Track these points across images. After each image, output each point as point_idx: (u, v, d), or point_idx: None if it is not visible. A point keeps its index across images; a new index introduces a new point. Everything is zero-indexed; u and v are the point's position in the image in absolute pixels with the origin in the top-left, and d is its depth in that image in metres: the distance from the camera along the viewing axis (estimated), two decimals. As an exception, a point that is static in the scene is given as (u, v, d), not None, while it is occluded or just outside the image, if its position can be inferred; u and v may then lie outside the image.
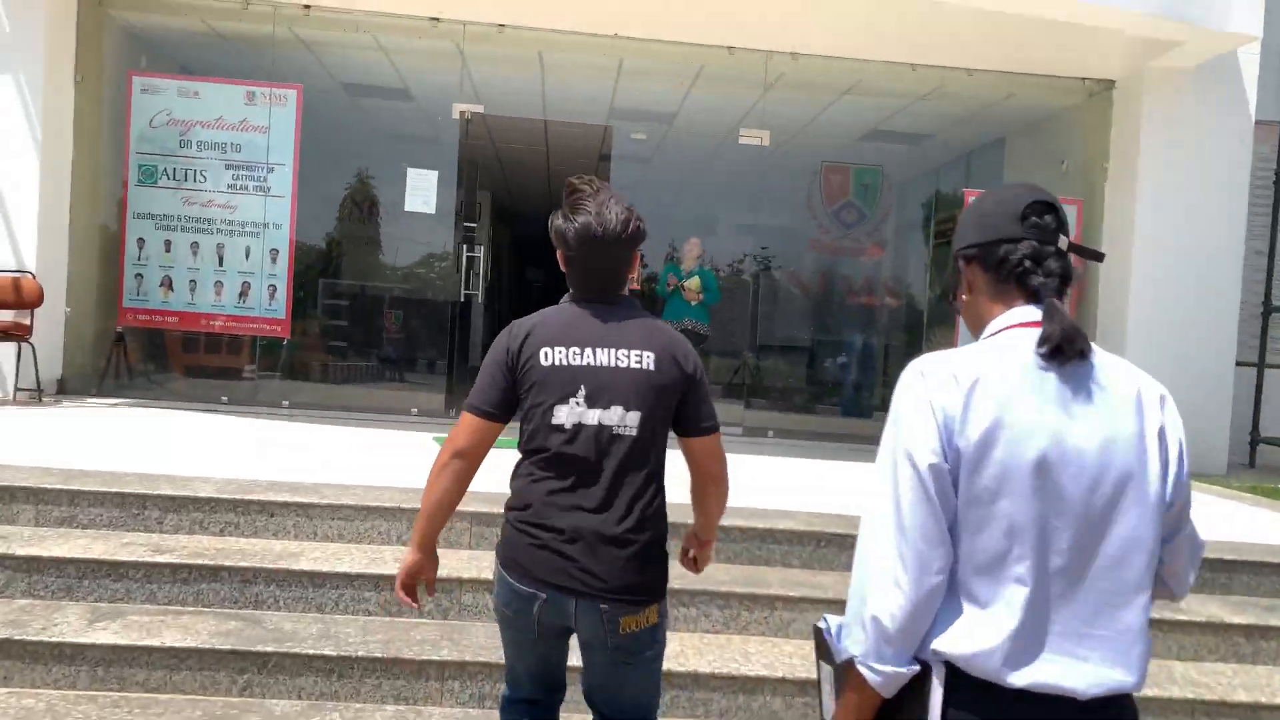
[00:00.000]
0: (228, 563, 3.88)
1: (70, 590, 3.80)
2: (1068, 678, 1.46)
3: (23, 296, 7.04)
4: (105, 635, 3.50)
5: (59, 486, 4.21)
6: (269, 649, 3.50)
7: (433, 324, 9.73)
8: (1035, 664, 1.45)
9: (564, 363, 2.19)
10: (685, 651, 3.77)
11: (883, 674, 1.48)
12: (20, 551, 3.82)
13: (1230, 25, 7.11)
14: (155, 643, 3.47)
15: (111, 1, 7.79)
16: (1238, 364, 8.22)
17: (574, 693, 2.51)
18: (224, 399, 7.93)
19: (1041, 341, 1.51)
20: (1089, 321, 8.28)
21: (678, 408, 2.26)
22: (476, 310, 11.76)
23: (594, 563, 2.14)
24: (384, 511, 4.30)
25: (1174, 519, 1.57)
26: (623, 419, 2.18)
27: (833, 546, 4.43)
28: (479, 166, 11.56)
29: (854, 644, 1.52)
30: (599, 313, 2.26)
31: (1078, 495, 1.47)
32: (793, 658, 3.80)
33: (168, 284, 7.65)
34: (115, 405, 7.37)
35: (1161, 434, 1.53)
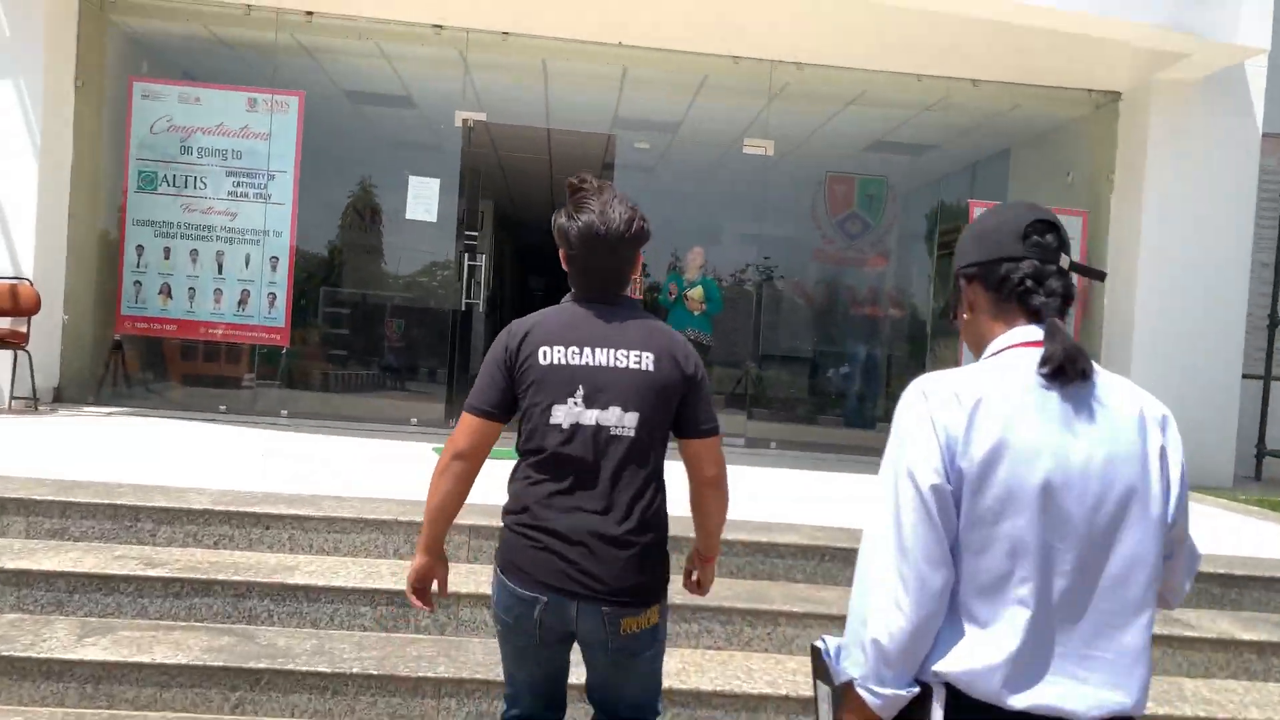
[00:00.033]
0: (221, 576, 3.81)
1: (60, 605, 3.74)
2: (1068, 700, 1.45)
3: (19, 304, 6.99)
4: (95, 651, 3.43)
5: (50, 498, 4.14)
6: (262, 665, 3.43)
7: (433, 333, 9.68)
8: (1036, 686, 1.45)
9: (562, 362, 2.18)
10: (687, 669, 3.70)
11: (883, 697, 1.48)
12: (9, 565, 3.75)
13: (1238, 37, 7.07)
14: (146, 659, 3.40)
15: (113, 6, 7.76)
16: (1244, 376, 8.19)
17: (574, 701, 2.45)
18: (222, 408, 7.87)
19: (1043, 362, 1.51)
20: (1094, 332, 8.24)
21: (677, 409, 2.24)
22: (478, 319, 11.71)
23: (594, 565, 2.13)
24: (380, 524, 4.24)
25: (1174, 538, 1.58)
26: (620, 419, 2.16)
27: (837, 561, 4.37)
28: (481, 175, 11.52)
29: (853, 666, 1.52)
30: (600, 313, 2.24)
31: (1081, 516, 1.47)
32: (796, 675, 3.73)
33: (166, 291, 7.60)
34: (112, 414, 7.31)
35: (1163, 454, 1.53)
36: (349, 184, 10.52)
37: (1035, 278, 1.58)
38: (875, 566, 1.51)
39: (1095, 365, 1.54)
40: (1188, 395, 7.58)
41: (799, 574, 4.39)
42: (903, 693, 1.48)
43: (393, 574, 3.98)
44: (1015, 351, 1.56)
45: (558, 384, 2.17)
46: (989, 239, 1.63)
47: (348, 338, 10.30)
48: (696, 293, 8.73)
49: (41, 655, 3.38)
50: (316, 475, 5.28)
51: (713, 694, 3.57)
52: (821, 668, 1.64)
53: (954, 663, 1.47)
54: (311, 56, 8.53)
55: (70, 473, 4.66)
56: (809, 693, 3.60)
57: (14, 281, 7.03)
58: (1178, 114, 7.82)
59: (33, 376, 6.99)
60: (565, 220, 2.25)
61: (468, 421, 2.23)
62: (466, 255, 8.87)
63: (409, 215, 8.01)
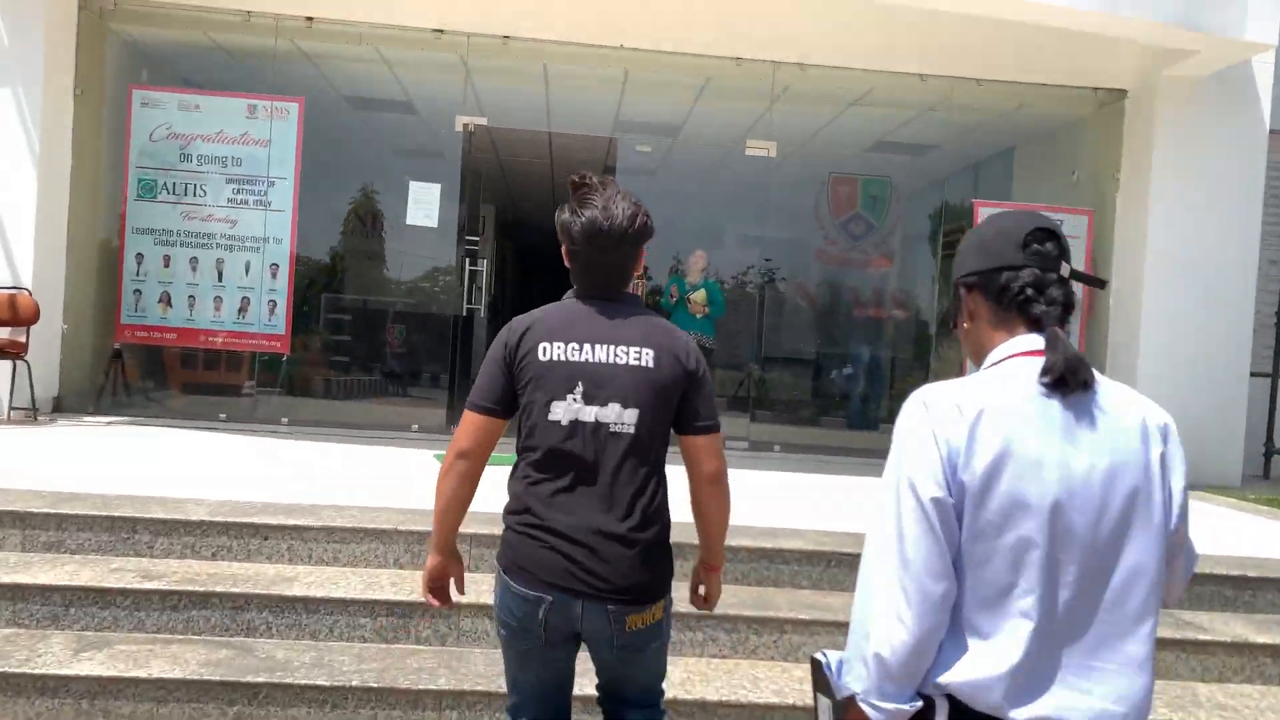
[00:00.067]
0: (219, 588, 3.77)
1: (56, 619, 3.69)
2: (1071, 711, 1.45)
3: (18, 313, 6.95)
4: (91, 666, 3.38)
5: (47, 510, 4.10)
6: (260, 679, 3.39)
7: (435, 339, 9.65)
8: (1039, 698, 1.45)
9: (562, 358, 2.17)
10: (691, 679, 3.65)
11: (885, 711, 1.48)
12: (5, 579, 3.71)
13: (1245, 34, 7.02)
14: (142, 674, 3.36)
15: (112, 14, 7.73)
16: (1251, 374, 8.12)
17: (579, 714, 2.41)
18: (222, 416, 7.83)
19: (1044, 372, 1.51)
20: (1100, 333, 8.19)
21: (678, 405, 2.22)
22: (479, 325, 11.68)
23: (598, 563, 2.12)
24: (380, 534, 4.19)
25: (1174, 543, 1.58)
26: (620, 416, 2.15)
27: (843, 567, 4.32)
28: (482, 179, 11.48)
29: (855, 680, 1.52)
30: (601, 309, 2.23)
31: (1084, 526, 1.47)
32: (803, 683, 3.68)
33: (166, 300, 7.56)
34: (111, 424, 7.27)
35: (1165, 463, 1.53)
36: (350, 190, 10.49)
37: (1036, 286, 1.58)
38: (877, 579, 1.50)
39: (1096, 374, 1.54)
40: (1194, 393, 7.53)
41: (805, 580, 4.34)
42: (905, 707, 1.47)
43: (393, 584, 3.93)
44: (1016, 361, 1.56)
45: (557, 380, 2.15)
46: (989, 248, 1.63)
47: (349, 344, 10.27)
48: (699, 296, 8.69)
49: (37, 671, 3.34)
50: (316, 483, 5.23)
51: (718, 704, 3.52)
52: (822, 681, 1.63)
53: (956, 675, 1.47)
54: (311, 62, 8.50)
55: (68, 484, 4.61)
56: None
57: (13, 291, 7.00)
58: (1184, 112, 7.76)
59: (32, 387, 6.94)
60: (568, 216, 2.23)
61: (469, 419, 2.22)
62: (468, 260, 8.83)
63: (410, 221, 7.97)
